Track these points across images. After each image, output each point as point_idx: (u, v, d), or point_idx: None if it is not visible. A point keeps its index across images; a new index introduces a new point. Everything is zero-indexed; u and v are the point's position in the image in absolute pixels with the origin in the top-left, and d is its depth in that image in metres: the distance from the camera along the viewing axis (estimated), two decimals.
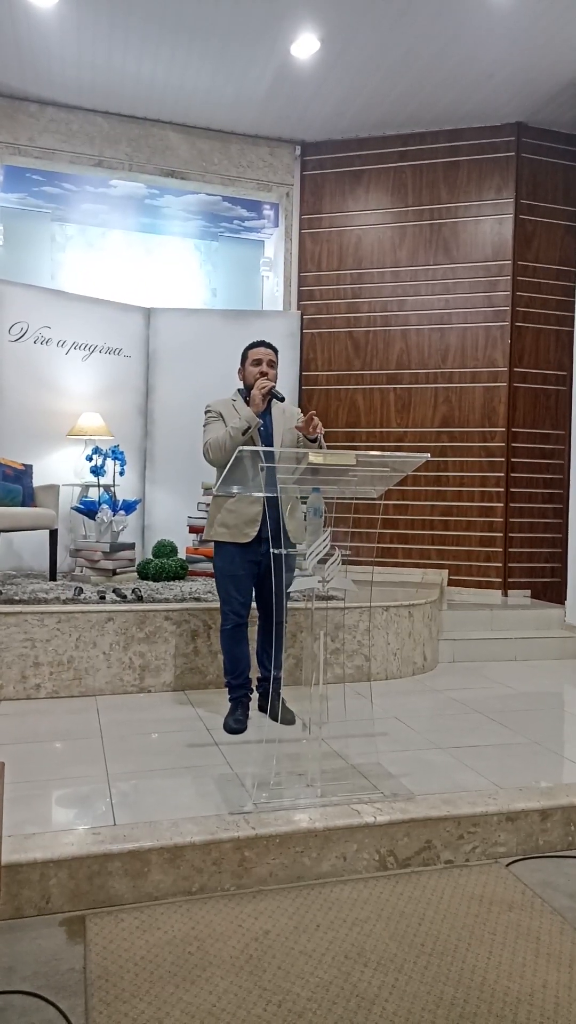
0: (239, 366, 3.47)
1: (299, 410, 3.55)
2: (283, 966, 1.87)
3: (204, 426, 3.42)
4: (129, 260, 6.27)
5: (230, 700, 3.43)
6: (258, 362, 3.38)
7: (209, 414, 3.42)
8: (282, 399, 3.35)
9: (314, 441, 3.25)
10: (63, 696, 3.84)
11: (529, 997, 1.78)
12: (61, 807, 2.56)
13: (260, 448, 3.02)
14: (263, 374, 3.35)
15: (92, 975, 1.81)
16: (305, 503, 2.88)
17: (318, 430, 3.17)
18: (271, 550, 2.86)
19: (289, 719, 3.32)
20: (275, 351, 3.44)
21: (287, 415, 3.44)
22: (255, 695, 3.52)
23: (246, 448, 2.66)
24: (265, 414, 3.36)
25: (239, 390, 3.47)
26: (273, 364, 3.40)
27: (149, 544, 5.68)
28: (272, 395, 3.29)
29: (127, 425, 5.80)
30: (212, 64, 5.16)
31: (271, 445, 3.31)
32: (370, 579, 3.43)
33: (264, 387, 3.27)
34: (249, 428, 3.23)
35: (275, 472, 2.65)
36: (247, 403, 3.32)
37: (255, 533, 3.26)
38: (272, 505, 3.03)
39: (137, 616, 3.98)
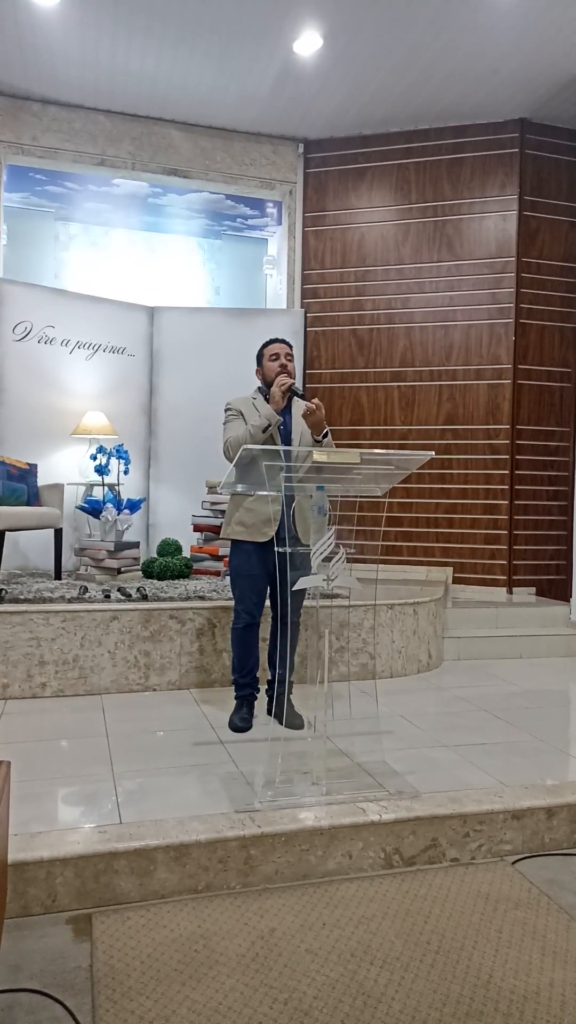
0: (256, 367, 3.45)
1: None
2: (289, 964, 1.87)
3: (224, 424, 3.38)
4: (132, 259, 6.27)
5: (236, 698, 3.43)
6: (275, 356, 3.35)
7: (229, 412, 3.38)
8: (303, 396, 3.32)
9: (322, 439, 3.25)
10: (68, 695, 3.85)
11: (535, 995, 1.78)
12: (67, 805, 2.57)
13: (268, 448, 2.99)
14: (283, 367, 3.32)
15: (99, 973, 1.82)
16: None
17: (320, 415, 3.15)
18: (276, 548, 2.85)
19: (297, 724, 3.26)
20: (290, 346, 3.42)
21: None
22: (262, 695, 3.50)
23: (252, 447, 2.64)
24: (285, 412, 3.33)
25: (259, 388, 3.44)
26: (291, 357, 3.38)
27: (154, 543, 5.68)
28: (292, 392, 3.27)
29: (131, 424, 5.80)
30: (215, 62, 5.16)
31: (290, 443, 3.29)
32: (374, 577, 3.43)
33: (284, 384, 3.23)
34: (269, 426, 3.20)
35: (288, 471, 2.64)
36: (267, 401, 3.30)
37: (273, 532, 3.21)
38: (286, 504, 3.02)
39: (142, 615, 3.98)
